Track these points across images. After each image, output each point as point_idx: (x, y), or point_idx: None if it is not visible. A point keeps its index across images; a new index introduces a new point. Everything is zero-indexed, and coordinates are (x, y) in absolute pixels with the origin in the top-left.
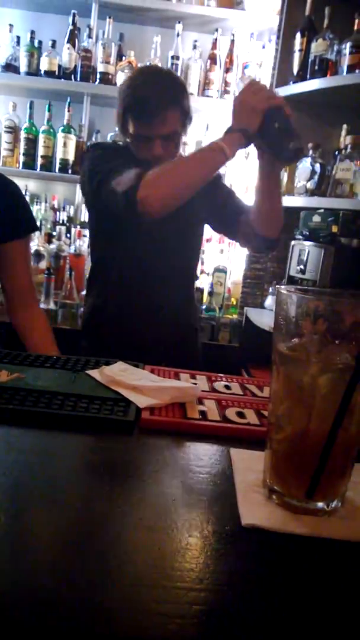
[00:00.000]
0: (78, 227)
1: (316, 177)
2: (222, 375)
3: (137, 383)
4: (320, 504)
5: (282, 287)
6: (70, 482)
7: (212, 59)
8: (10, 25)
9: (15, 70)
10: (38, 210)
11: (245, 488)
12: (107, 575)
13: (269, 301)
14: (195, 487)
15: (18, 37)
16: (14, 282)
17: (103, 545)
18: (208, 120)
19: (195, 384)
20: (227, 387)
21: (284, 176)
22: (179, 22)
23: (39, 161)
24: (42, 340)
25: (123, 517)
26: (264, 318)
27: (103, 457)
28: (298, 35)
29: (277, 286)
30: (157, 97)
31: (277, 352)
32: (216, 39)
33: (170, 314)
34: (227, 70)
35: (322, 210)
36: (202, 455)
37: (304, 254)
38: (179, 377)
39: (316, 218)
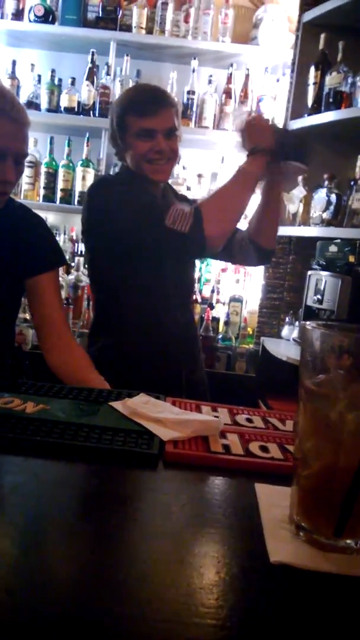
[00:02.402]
0: None
1: (332, 207)
2: (243, 408)
3: (160, 415)
4: (349, 542)
5: (308, 323)
6: (95, 514)
7: (227, 93)
8: (32, 65)
9: (37, 107)
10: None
11: (272, 524)
12: (134, 611)
13: (286, 331)
14: (221, 522)
15: (39, 76)
16: (44, 317)
17: (130, 580)
18: (223, 152)
19: (217, 416)
20: (249, 420)
21: (300, 207)
22: (195, 58)
23: (59, 194)
24: (84, 374)
25: (149, 551)
26: (280, 348)
27: (127, 489)
28: (312, 68)
29: (302, 322)
30: (155, 95)
31: (303, 387)
32: (231, 74)
33: (181, 342)
34: (242, 103)
35: (338, 240)
36: (226, 490)
37: (321, 283)
38: (201, 410)
39: (333, 248)
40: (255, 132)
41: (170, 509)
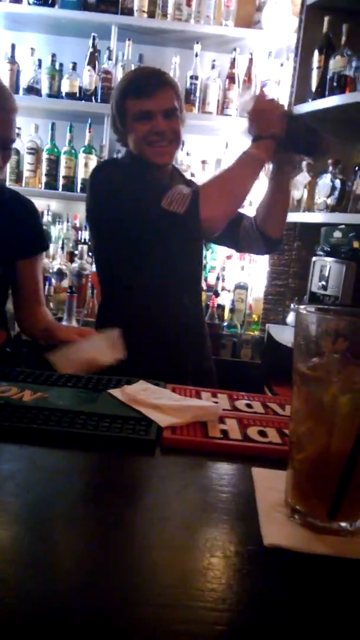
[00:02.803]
0: None
1: (336, 193)
2: (243, 393)
3: (159, 402)
4: (343, 524)
5: (302, 306)
6: (93, 500)
7: (231, 78)
8: (32, 49)
9: (37, 92)
10: (60, 230)
11: (267, 508)
12: (130, 594)
13: (291, 317)
14: (217, 507)
15: (40, 61)
16: (22, 297)
17: (126, 564)
18: (227, 138)
19: (217, 402)
20: (248, 405)
21: (304, 192)
22: (197, 43)
23: (61, 181)
24: (49, 324)
25: (146, 536)
26: (285, 334)
27: (125, 475)
28: (316, 52)
29: (296, 306)
30: (153, 77)
31: (297, 371)
32: (234, 58)
33: (188, 329)
34: (247, 88)
35: (343, 226)
36: (223, 475)
37: (326, 269)
38: (200, 396)
39: (337, 234)
40: (263, 117)
41: (167, 494)
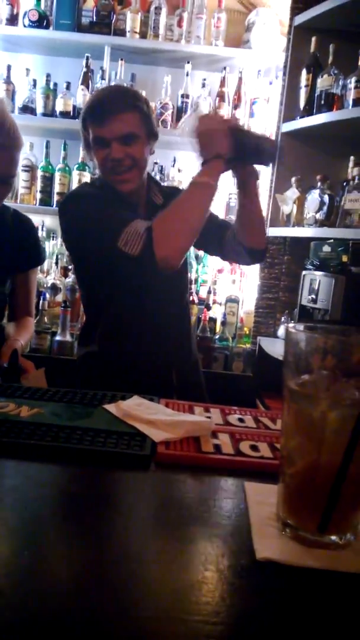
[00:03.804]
0: None
1: (325, 208)
2: (235, 408)
3: (153, 417)
4: (333, 538)
5: (290, 325)
6: (87, 515)
7: (221, 96)
8: (27, 70)
9: (32, 111)
10: (54, 245)
11: (259, 522)
12: (124, 608)
13: (282, 330)
14: (211, 521)
15: (34, 80)
16: (14, 306)
17: (120, 578)
18: None
19: (209, 417)
20: (240, 420)
21: (294, 208)
22: (188, 62)
23: (55, 198)
24: (16, 329)
25: (140, 550)
26: (276, 347)
27: (121, 490)
28: (304, 71)
29: (286, 324)
30: (110, 101)
31: (287, 388)
32: (224, 77)
33: (173, 347)
34: (235, 106)
35: (332, 241)
36: (216, 489)
37: (315, 283)
38: (194, 411)
39: (326, 248)
40: (206, 138)
41: (161, 508)
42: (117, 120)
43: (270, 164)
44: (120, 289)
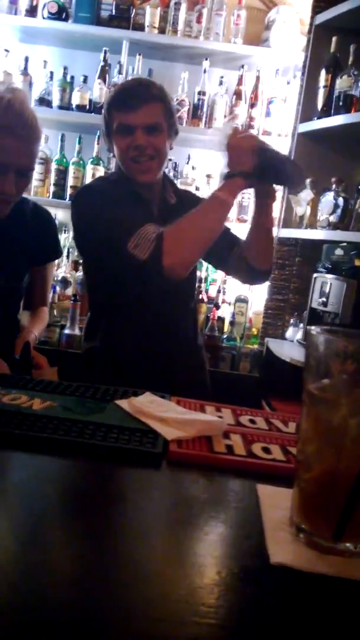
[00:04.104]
0: None
1: (339, 210)
2: (247, 409)
3: (165, 415)
4: (348, 545)
5: (313, 327)
6: (98, 512)
7: (238, 94)
8: (45, 62)
9: (48, 104)
10: (66, 239)
11: (273, 525)
12: (134, 610)
13: (290, 332)
14: (222, 523)
15: (52, 73)
16: (30, 296)
17: (129, 578)
18: None
19: (221, 417)
20: (252, 421)
21: (307, 209)
22: (206, 59)
23: (69, 191)
24: (31, 319)
25: (151, 550)
26: (284, 349)
27: (132, 487)
28: (323, 71)
29: (308, 327)
30: (137, 90)
31: (307, 392)
32: (242, 75)
33: (177, 347)
34: (252, 105)
35: (344, 244)
36: (229, 490)
37: (326, 286)
38: (205, 410)
39: (339, 251)
40: (234, 154)
41: (172, 508)
42: (143, 109)
43: (289, 187)
44: (124, 288)
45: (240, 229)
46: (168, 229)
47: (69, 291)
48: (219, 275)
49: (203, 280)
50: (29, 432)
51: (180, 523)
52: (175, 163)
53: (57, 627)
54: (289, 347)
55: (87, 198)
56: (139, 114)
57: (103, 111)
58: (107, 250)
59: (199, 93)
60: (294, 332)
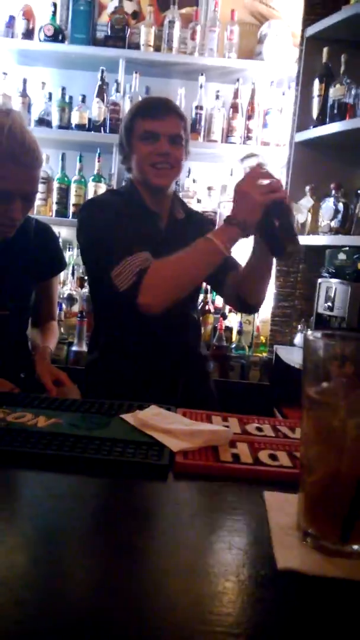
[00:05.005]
0: None
1: (340, 216)
2: (253, 417)
3: (170, 427)
4: (355, 547)
5: (309, 332)
6: (106, 526)
7: (234, 107)
8: (43, 83)
9: (48, 124)
10: (70, 256)
11: (279, 531)
12: (144, 619)
13: (298, 339)
14: (230, 531)
15: (50, 94)
16: (38, 311)
17: (139, 589)
18: (232, 165)
19: (227, 426)
20: (258, 429)
21: (308, 216)
22: (202, 74)
23: (71, 209)
24: (42, 334)
25: (159, 561)
26: (293, 355)
27: (139, 500)
28: (316, 81)
29: (304, 332)
30: (164, 102)
31: (306, 396)
32: (237, 89)
33: (176, 359)
34: (249, 117)
35: (347, 248)
36: (236, 499)
37: (331, 291)
38: (211, 420)
39: (341, 256)
40: (242, 200)
41: (180, 518)
42: (169, 119)
43: (278, 257)
44: (117, 300)
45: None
46: (153, 265)
47: (75, 308)
48: None
49: (209, 291)
50: (34, 449)
51: (187, 533)
52: None
53: (69, 637)
54: (298, 353)
55: (89, 212)
56: (165, 123)
57: (124, 119)
58: (95, 265)
59: (197, 107)
60: (302, 338)
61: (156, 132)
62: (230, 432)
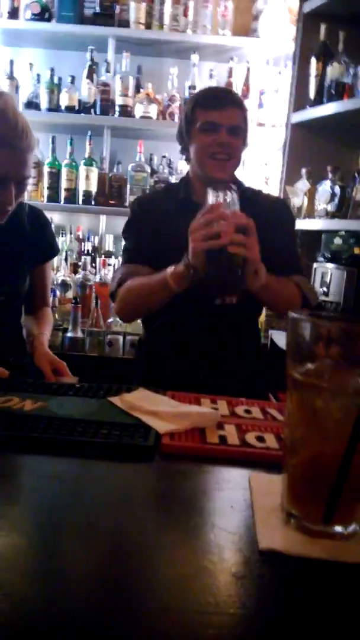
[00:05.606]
0: (103, 256)
1: (336, 199)
2: (242, 399)
3: (157, 409)
4: (338, 528)
5: (293, 312)
6: (91, 508)
7: (229, 87)
8: (31, 64)
9: (37, 107)
10: (64, 242)
11: (264, 513)
12: (126, 601)
13: None
14: (214, 513)
15: (38, 75)
16: (32, 297)
17: (122, 571)
18: None
19: (216, 408)
20: (247, 411)
21: (304, 200)
22: (195, 53)
23: (63, 194)
24: (38, 321)
25: (143, 542)
26: None
27: (125, 482)
28: (313, 60)
29: (289, 313)
30: (226, 93)
31: (290, 377)
32: (232, 68)
33: (199, 343)
34: (244, 97)
35: (343, 233)
36: (222, 480)
37: (327, 276)
38: (200, 402)
39: (337, 240)
40: (189, 241)
41: (165, 500)
42: (229, 110)
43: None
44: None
45: None
46: (126, 284)
47: (70, 294)
48: None
49: None
50: (18, 432)
51: (171, 514)
52: (170, 159)
53: (57, 631)
54: None
55: (132, 207)
56: (225, 114)
57: (185, 109)
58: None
59: (190, 87)
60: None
61: (216, 122)
62: (218, 414)
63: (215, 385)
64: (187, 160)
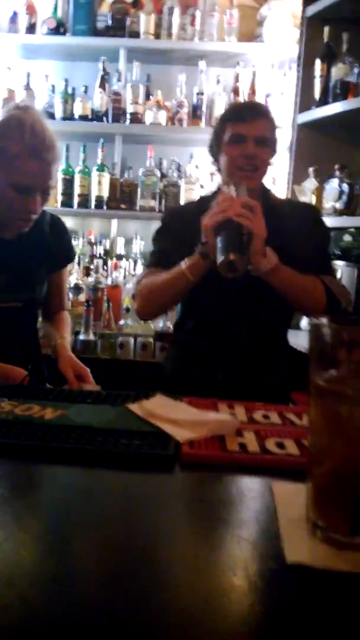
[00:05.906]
0: (114, 259)
1: (344, 197)
2: (260, 404)
3: (176, 417)
4: None
5: (314, 318)
6: (112, 519)
7: (236, 91)
8: (46, 76)
9: (52, 116)
10: (76, 246)
11: (288, 523)
12: (150, 615)
13: (305, 322)
14: (238, 523)
15: (53, 86)
16: (49, 303)
17: (145, 583)
18: None
19: (234, 414)
20: (265, 416)
21: (313, 198)
22: (202, 60)
23: (76, 199)
24: (58, 326)
25: (166, 555)
26: (299, 339)
27: (145, 492)
28: (318, 61)
29: (310, 318)
30: (252, 107)
31: (313, 384)
32: (238, 73)
33: (221, 345)
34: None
35: (352, 230)
36: (243, 489)
37: (337, 274)
38: (217, 409)
39: (347, 237)
40: (202, 227)
41: (187, 511)
42: (255, 122)
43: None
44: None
45: None
46: (143, 281)
47: (82, 297)
48: None
49: None
50: (40, 442)
51: (194, 526)
52: (179, 164)
53: (75, 632)
54: (304, 336)
55: (163, 217)
56: (251, 126)
57: (215, 126)
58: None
59: (198, 93)
60: (308, 322)
61: (243, 134)
62: (237, 421)
63: (242, 383)
64: (218, 170)
